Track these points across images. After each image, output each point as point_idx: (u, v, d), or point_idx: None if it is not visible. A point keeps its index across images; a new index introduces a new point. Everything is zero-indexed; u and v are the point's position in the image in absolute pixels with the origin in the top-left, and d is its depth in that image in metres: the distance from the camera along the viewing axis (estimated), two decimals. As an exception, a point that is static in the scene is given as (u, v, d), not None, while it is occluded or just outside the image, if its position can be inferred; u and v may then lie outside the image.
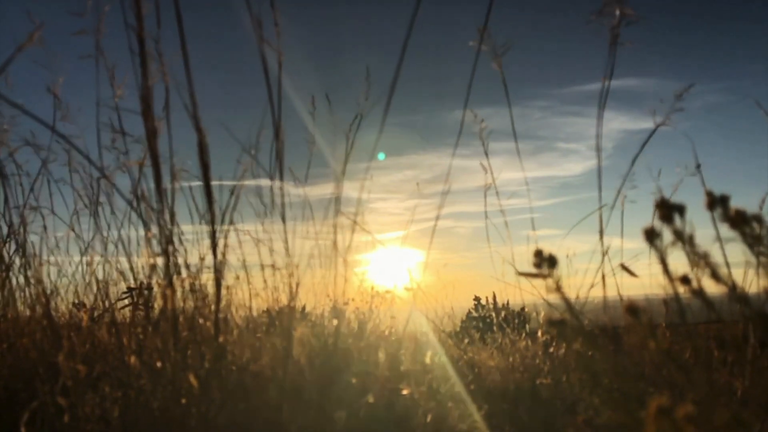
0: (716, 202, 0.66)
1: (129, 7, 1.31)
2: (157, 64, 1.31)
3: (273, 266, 1.71)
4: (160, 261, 1.34)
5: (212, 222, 1.36)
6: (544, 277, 0.79)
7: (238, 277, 1.98)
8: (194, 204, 1.75)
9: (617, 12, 1.58)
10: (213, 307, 1.38)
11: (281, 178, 1.55)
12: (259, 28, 1.44)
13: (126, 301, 1.83)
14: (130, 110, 1.39)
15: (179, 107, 1.37)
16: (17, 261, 1.86)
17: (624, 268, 1.02)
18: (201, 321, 1.41)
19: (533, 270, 0.80)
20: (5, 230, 1.88)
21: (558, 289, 0.78)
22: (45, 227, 1.99)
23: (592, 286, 1.98)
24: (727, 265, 0.78)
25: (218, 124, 1.64)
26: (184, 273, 1.41)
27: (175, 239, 1.39)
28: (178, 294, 1.39)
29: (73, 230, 1.99)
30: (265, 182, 1.65)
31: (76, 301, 2.03)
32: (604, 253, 1.91)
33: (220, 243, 1.38)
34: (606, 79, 1.74)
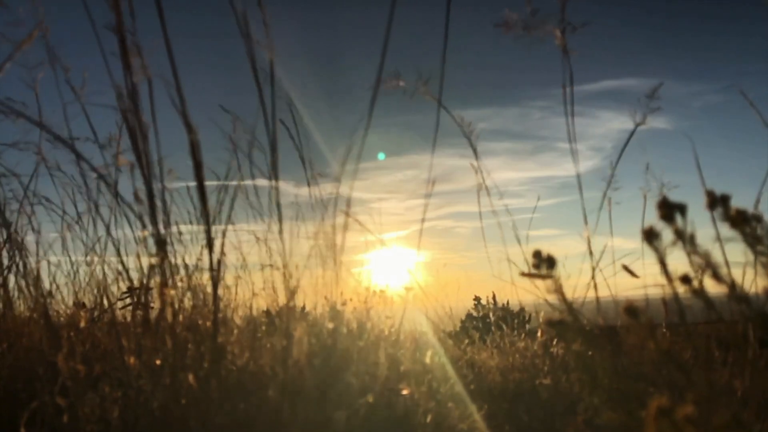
0: (717, 202, 0.66)
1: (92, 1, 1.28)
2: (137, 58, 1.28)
3: (272, 266, 1.71)
4: (156, 261, 1.34)
5: (207, 221, 1.35)
6: (546, 277, 0.79)
7: (238, 277, 1.98)
8: (192, 204, 1.75)
9: (554, 27, 1.54)
10: (211, 307, 1.38)
11: (276, 178, 1.54)
12: (246, 26, 1.43)
13: (126, 301, 1.83)
14: (108, 106, 1.36)
15: (163, 106, 1.35)
16: (16, 261, 1.86)
17: (625, 268, 1.02)
18: (200, 321, 1.41)
19: (535, 271, 0.80)
20: (4, 231, 1.88)
21: (557, 289, 0.78)
22: (36, 227, 1.98)
23: (588, 285, 1.98)
24: (727, 264, 0.78)
25: (213, 124, 1.63)
26: (182, 273, 1.41)
27: (173, 239, 1.39)
28: (177, 294, 1.38)
29: (68, 231, 1.99)
30: (263, 182, 1.65)
31: (76, 302, 2.02)
32: (600, 252, 1.91)
33: (217, 242, 1.38)
34: (565, 87, 1.72)
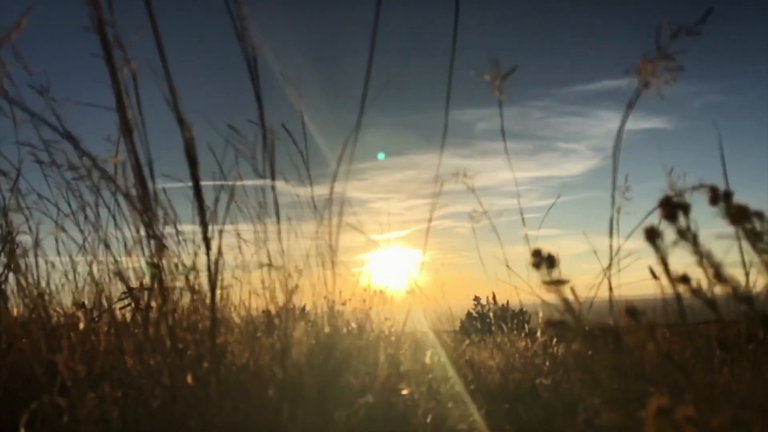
0: (719, 198, 0.65)
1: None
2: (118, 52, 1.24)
3: (271, 266, 1.71)
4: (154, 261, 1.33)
5: (203, 222, 1.33)
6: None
7: (237, 277, 1.97)
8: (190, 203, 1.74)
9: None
10: (209, 306, 1.37)
11: (273, 177, 1.53)
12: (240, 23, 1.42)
13: (126, 302, 1.82)
14: (102, 106, 1.33)
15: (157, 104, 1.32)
16: (18, 261, 1.85)
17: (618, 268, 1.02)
18: (200, 321, 1.41)
19: (535, 269, 0.80)
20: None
21: (558, 290, 0.78)
22: (30, 228, 1.96)
23: (594, 285, 1.98)
24: (724, 264, 0.78)
25: (209, 122, 1.62)
26: (181, 273, 1.40)
27: (172, 239, 1.38)
28: (175, 294, 1.38)
29: (63, 230, 1.98)
30: (262, 182, 1.64)
31: (75, 302, 2.02)
32: (602, 252, 1.91)
33: (215, 242, 1.37)
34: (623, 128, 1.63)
